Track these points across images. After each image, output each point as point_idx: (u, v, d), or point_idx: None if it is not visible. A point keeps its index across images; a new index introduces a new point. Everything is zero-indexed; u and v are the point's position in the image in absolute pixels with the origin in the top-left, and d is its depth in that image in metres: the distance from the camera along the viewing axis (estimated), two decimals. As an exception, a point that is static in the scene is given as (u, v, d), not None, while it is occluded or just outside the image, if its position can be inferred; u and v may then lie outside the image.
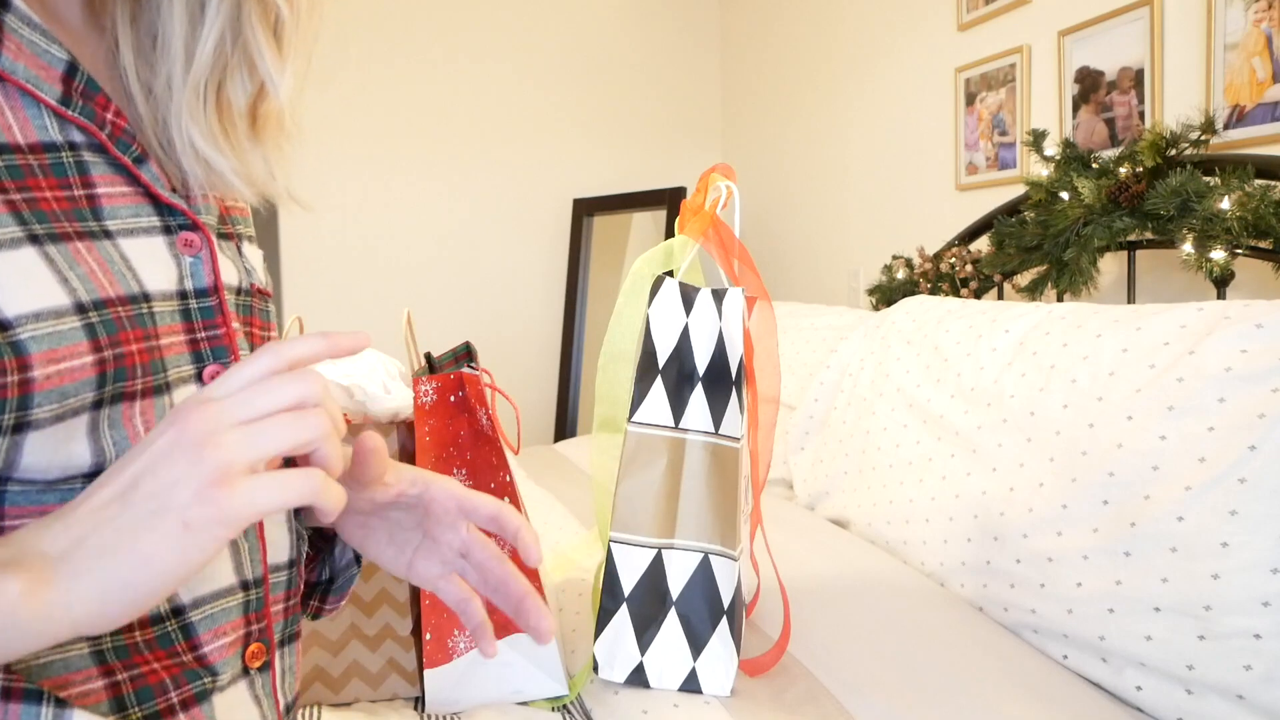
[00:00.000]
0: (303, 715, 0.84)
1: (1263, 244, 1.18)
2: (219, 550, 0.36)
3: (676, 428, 0.91)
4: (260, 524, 0.53)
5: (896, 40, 2.18)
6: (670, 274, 0.95)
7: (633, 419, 0.91)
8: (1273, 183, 1.19)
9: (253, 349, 0.54)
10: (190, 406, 0.38)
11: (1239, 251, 1.18)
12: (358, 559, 0.64)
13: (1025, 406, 1.07)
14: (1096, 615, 0.89)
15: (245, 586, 0.51)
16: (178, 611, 0.47)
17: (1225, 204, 1.18)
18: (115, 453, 0.43)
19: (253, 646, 0.51)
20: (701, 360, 0.92)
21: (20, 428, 0.39)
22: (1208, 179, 1.25)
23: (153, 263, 0.48)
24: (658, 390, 0.91)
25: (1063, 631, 0.94)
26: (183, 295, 0.49)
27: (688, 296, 0.93)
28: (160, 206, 0.49)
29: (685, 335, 0.92)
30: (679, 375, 0.92)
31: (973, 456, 1.13)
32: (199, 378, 0.49)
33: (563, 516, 1.49)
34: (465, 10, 2.95)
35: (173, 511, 0.36)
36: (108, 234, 0.46)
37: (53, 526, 0.38)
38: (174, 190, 0.50)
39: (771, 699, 0.85)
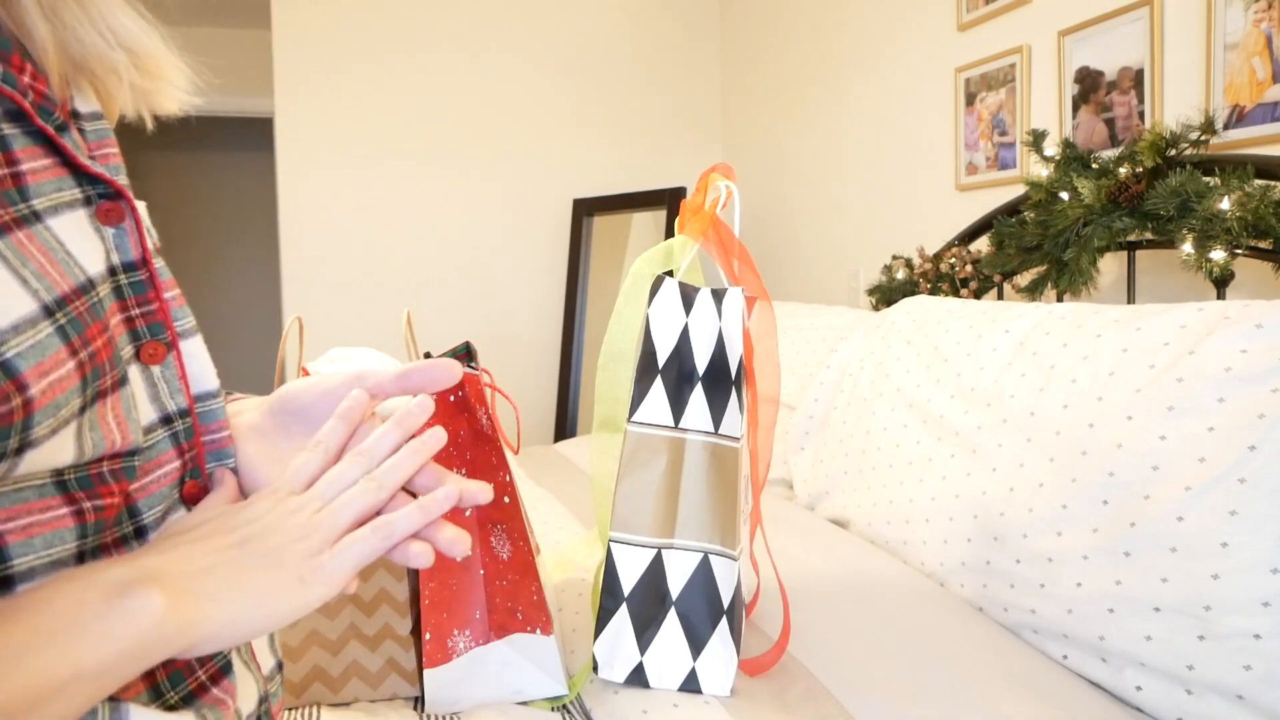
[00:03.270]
0: (302, 715, 0.84)
1: (1263, 244, 1.18)
2: (330, 597, 0.44)
3: (676, 427, 0.91)
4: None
5: (896, 40, 2.18)
6: (670, 274, 0.95)
7: (632, 419, 0.91)
8: (1273, 183, 1.19)
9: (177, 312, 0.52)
10: (276, 506, 0.46)
11: (1239, 252, 1.18)
12: None
13: (1025, 406, 1.07)
14: (1096, 615, 0.89)
15: None
16: None
17: (1225, 204, 1.18)
18: (94, 452, 0.43)
19: None
20: (701, 360, 0.92)
21: (21, 449, 0.39)
22: (1208, 179, 1.25)
23: (82, 241, 0.44)
24: (657, 390, 0.91)
25: (1062, 631, 0.93)
26: (112, 271, 0.46)
27: (687, 296, 0.93)
28: (80, 176, 0.45)
29: (685, 335, 0.92)
30: (679, 375, 0.91)
31: (973, 456, 1.12)
32: (138, 356, 0.48)
33: (563, 516, 1.49)
34: (465, 10, 2.95)
35: (288, 568, 0.43)
36: (37, 216, 0.42)
37: (168, 553, 0.42)
38: (91, 156, 0.46)
39: (771, 699, 0.85)
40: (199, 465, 0.51)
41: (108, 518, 0.44)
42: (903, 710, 0.82)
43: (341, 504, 0.46)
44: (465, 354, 1.00)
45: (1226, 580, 0.80)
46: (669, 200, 2.75)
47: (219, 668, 0.48)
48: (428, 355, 1.00)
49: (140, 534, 0.46)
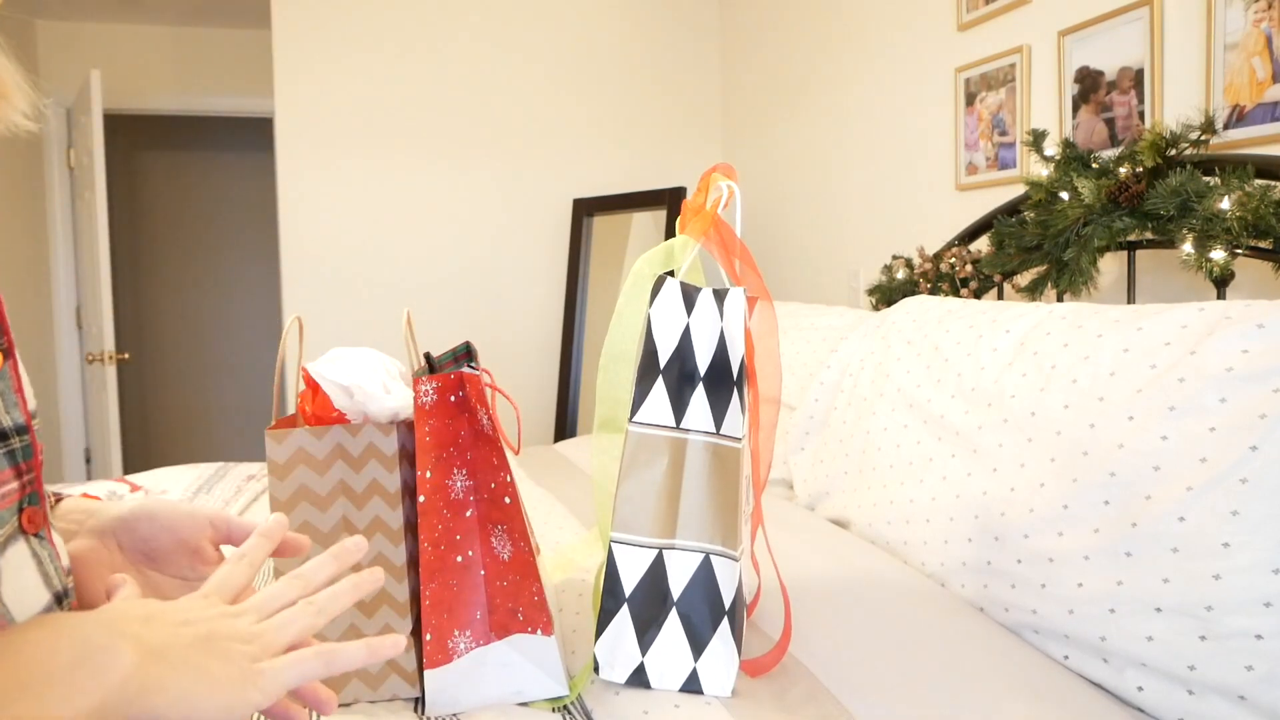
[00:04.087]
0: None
1: (1263, 244, 1.18)
2: (263, 707, 0.44)
3: (678, 428, 0.91)
4: (50, 533, 0.51)
5: (896, 40, 2.18)
6: (671, 274, 0.95)
7: (634, 419, 0.91)
8: (1273, 183, 1.19)
9: None
10: (214, 607, 0.46)
11: (1239, 251, 1.18)
12: None
13: (1026, 406, 1.07)
14: (1097, 615, 0.89)
15: (59, 600, 0.49)
16: None
17: (1225, 204, 1.18)
18: None
19: None
20: (703, 360, 0.92)
21: None
22: (1208, 179, 1.25)
23: None
24: (659, 390, 0.91)
25: (1064, 632, 0.93)
26: None
27: (689, 296, 0.93)
28: None
29: (686, 335, 0.92)
30: (680, 375, 0.91)
31: (973, 457, 1.12)
32: None
33: (563, 516, 1.49)
34: (466, 11, 2.95)
35: (234, 665, 0.43)
36: None
37: (129, 616, 0.41)
38: None
39: (772, 699, 0.85)
40: (37, 490, 0.48)
41: None
42: (904, 711, 0.82)
43: (284, 621, 0.46)
44: (465, 354, 1.00)
45: (1228, 580, 0.80)
46: (669, 200, 2.75)
47: None
48: (428, 355, 1.00)
49: None
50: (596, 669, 0.89)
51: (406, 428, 0.93)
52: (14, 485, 0.46)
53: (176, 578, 0.59)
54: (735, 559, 0.89)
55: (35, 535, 0.48)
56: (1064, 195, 1.46)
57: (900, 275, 1.92)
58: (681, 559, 0.89)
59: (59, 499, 0.63)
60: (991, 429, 1.11)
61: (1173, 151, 1.31)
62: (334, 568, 0.51)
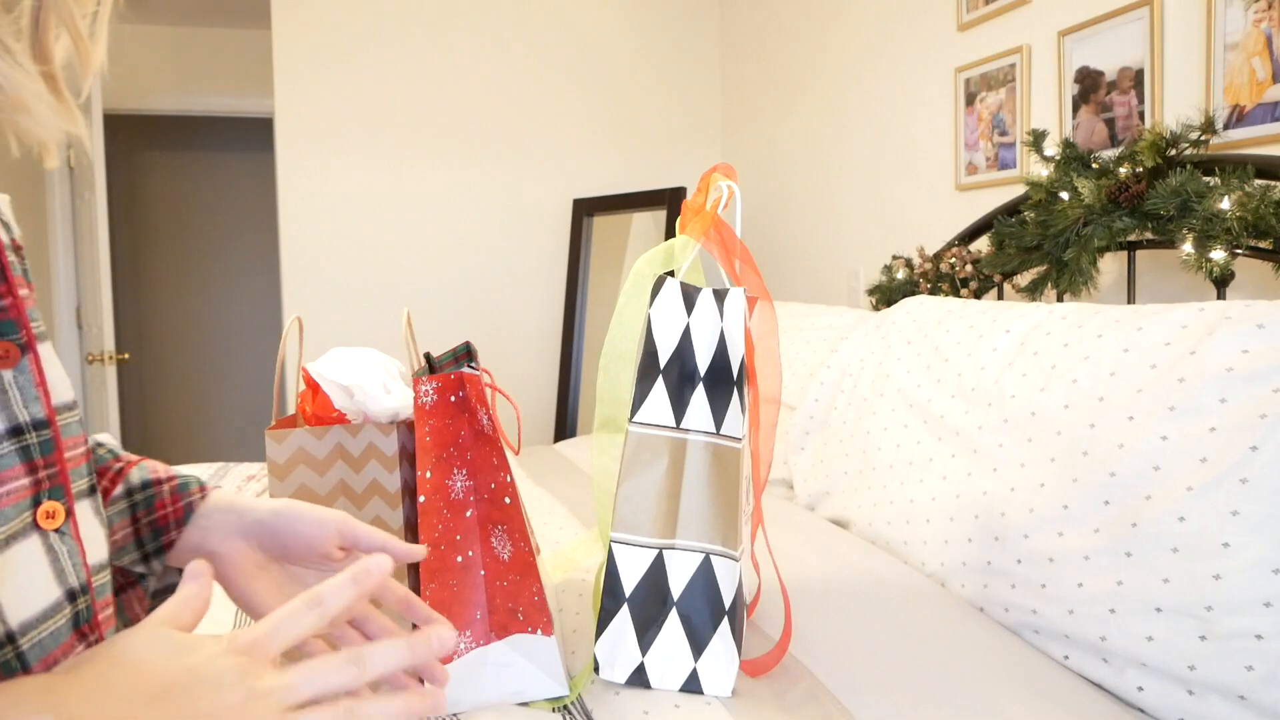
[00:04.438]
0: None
1: (1263, 244, 1.18)
2: None
3: (678, 428, 0.91)
4: (75, 523, 0.47)
5: (896, 40, 2.18)
6: (671, 274, 0.95)
7: (634, 419, 0.91)
8: (1273, 183, 1.19)
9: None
10: (243, 683, 0.40)
11: (1239, 252, 1.18)
12: None
13: (1026, 406, 1.07)
14: (1098, 616, 0.89)
15: (72, 597, 0.46)
16: (10, 639, 0.42)
17: (1225, 204, 1.18)
18: None
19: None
20: (703, 360, 0.92)
21: None
22: (1208, 179, 1.25)
23: None
24: (659, 390, 0.91)
25: (1064, 632, 0.93)
26: None
27: (689, 296, 0.93)
28: None
29: (687, 335, 0.92)
30: (680, 375, 0.91)
31: (973, 456, 1.12)
32: None
33: (563, 516, 1.49)
34: (466, 11, 2.95)
35: None
36: None
37: (101, 704, 0.38)
38: None
39: (773, 699, 0.85)
40: (62, 484, 0.46)
41: None
42: (903, 710, 0.82)
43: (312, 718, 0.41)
44: (465, 354, 1.00)
45: (1228, 580, 0.80)
46: (669, 200, 2.75)
47: None
48: (428, 356, 1.00)
49: None
50: (596, 669, 0.89)
51: (406, 428, 0.93)
52: (25, 481, 0.44)
53: (314, 570, 0.62)
54: (735, 559, 0.89)
55: (56, 531, 0.45)
56: (1064, 195, 1.46)
57: (900, 275, 1.92)
58: (682, 559, 0.89)
59: (204, 492, 0.64)
60: (991, 429, 1.11)
61: (1173, 151, 1.31)
62: (406, 658, 0.45)
